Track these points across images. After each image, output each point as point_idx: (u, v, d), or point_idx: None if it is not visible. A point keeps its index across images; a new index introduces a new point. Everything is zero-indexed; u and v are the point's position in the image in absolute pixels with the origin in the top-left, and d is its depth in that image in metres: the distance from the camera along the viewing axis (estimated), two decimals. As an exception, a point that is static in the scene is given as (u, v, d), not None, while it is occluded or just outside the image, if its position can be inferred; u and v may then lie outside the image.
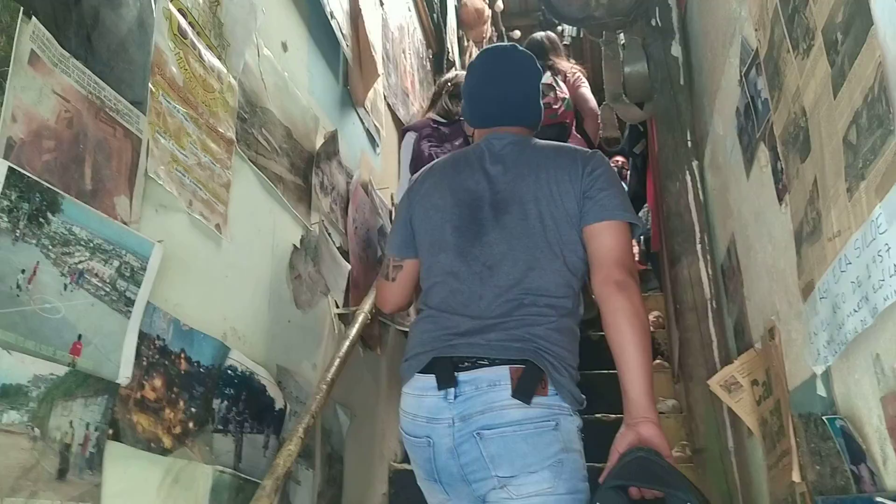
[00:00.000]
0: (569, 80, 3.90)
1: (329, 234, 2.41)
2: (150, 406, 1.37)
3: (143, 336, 1.36)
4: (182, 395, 1.49)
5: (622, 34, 2.65)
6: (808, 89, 1.22)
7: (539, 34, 4.25)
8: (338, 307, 2.45)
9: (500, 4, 6.99)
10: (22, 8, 1.16)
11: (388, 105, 3.52)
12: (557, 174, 1.70)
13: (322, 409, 1.93)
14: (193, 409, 1.53)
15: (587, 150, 1.80)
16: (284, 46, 2.25)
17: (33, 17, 1.18)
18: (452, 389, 1.55)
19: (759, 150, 1.64)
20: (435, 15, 4.79)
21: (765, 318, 1.76)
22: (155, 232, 1.44)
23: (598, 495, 1.39)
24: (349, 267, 2.49)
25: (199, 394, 1.55)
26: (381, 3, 3.44)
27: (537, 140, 1.83)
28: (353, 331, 2.24)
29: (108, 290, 1.26)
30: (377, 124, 3.22)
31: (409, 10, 4.29)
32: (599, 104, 3.65)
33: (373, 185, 3.04)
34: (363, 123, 3.05)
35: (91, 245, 1.23)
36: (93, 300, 1.23)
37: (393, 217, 3.11)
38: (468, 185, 1.77)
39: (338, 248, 2.49)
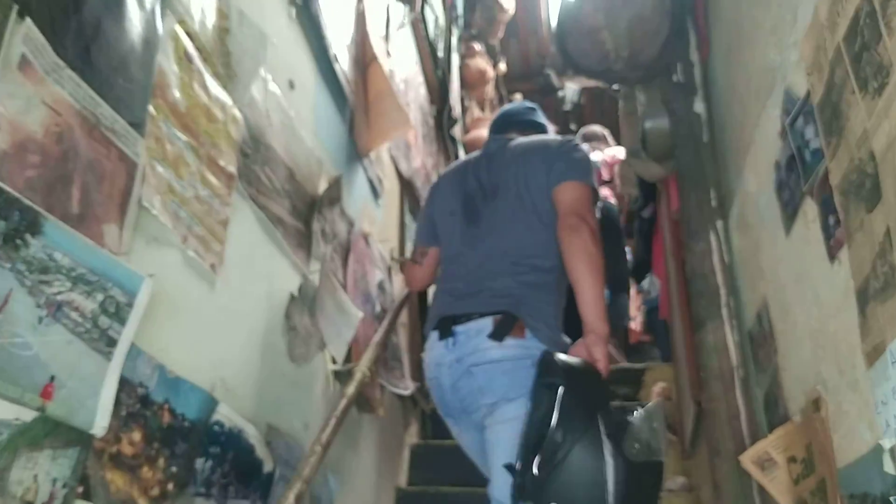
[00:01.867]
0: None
1: (336, 283, 2.26)
2: (126, 462, 1.20)
3: (123, 382, 1.20)
4: (163, 451, 1.32)
5: (640, 90, 2.56)
6: (880, 131, 1.10)
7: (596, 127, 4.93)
8: (334, 363, 2.28)
9: (502, 67, 7.00)
10: (16, 7, 1.04)
11: (391, 157, 3.41)
12: (533, 157, 2.09)
13: (315, 474, 1.75)
14: (174, 469, 1.35)
15: (558, 137, 2.23)
16: (291, 84, 2.14)
17: (27, 18, 1.06)
18: (451, 339, 1.92)
19: (806, 204, 1.51)
20: (439, 71, 4.74)
21: (806, 389, 1.61)
22: (145, 266, 1.29)
23: (532, 392, 1.70)
24: (360, 315, 2.33)
25: (182, 451, 1.38)
26: (389, 54, 3.37)
27: (522, 137, 2.23)
28: (351, 388, 2.08)
29: (88, 326, 1.11)
30: (380, 175, 3.11)
31: (416, 65, 4.23)
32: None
33: (374, 237, 2.90)
34: (366, 173, 2.93)
35: (73, 274, 1.08)
36: (70, 337, 1.07)
37: (388, 271, 3.01)
38: (467, 183, 2.18)
39: (337, 299, 2.35)
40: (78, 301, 1.09)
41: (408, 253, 3.51)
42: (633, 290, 5.60)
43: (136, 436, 1.25)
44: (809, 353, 1.58)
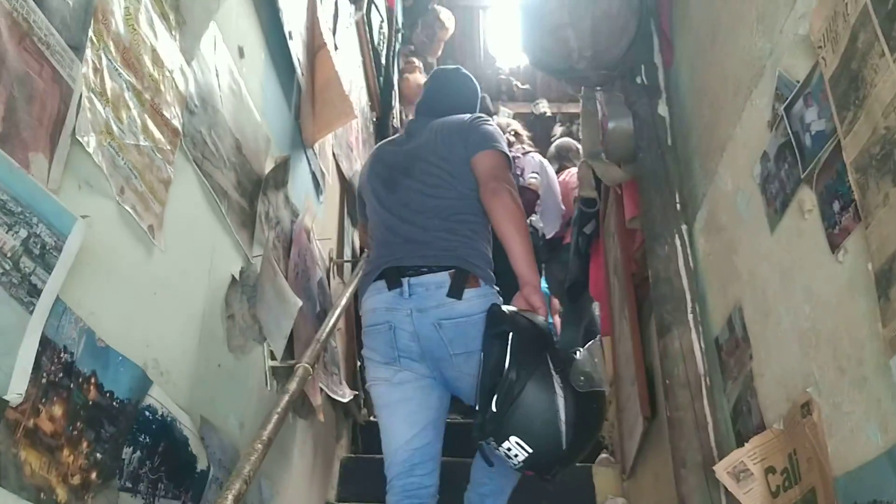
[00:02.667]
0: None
1: (278, 268, 2.07)
2: (44, 441, 0.99)
3: (46, 343, 0.99)
4: (87, 433, 1.11)
5: (602, 91, 2.49)
6: (916, 96, 1.02)
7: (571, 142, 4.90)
8: (273, 359, 2.08)
9: (440, 85, 6.92)
10: None
11: (334, 155, 3.24)
12: (451, 129, 2.27)
13: (256, 475, 1.54)
14: (99, 456, 1.14)
15: (469, 114, 2.35)
16: (241, 52, 1.97)
17: None
18: (406, 289, 2.04)
19: (801, 194, 1.43)
20: (381, 79, 4.60)
21: (791, 394, 1.52)
22: (75, 212, 1.09)
23: (483, 344, 1.90)
24: (299, 303, 2.13)
25: (109, 436, 1.17)
26: (336, 48, 3.21)
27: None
28: (294, 385, 1.88)
29: (7, 267, 0.90)
30: (324, 170, 2.93)
31: (359, 68, 4.08)
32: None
33: (315, 234, 2.72)
34: (310, 165, 2.76)
35: (-9, 200, 0.88)
36: (-17, 278, 0.87)
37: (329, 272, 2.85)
38: (387, 159, 2.34)
39: (277, 291, 2.15)
40: (-4, 234, 0.89)
41: (346, 255, 3.34)
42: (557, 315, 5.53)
43: (58, 410, 1.04)
44: (797, 355, 1.49)
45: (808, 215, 1.41)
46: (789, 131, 1.47)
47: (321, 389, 2.46)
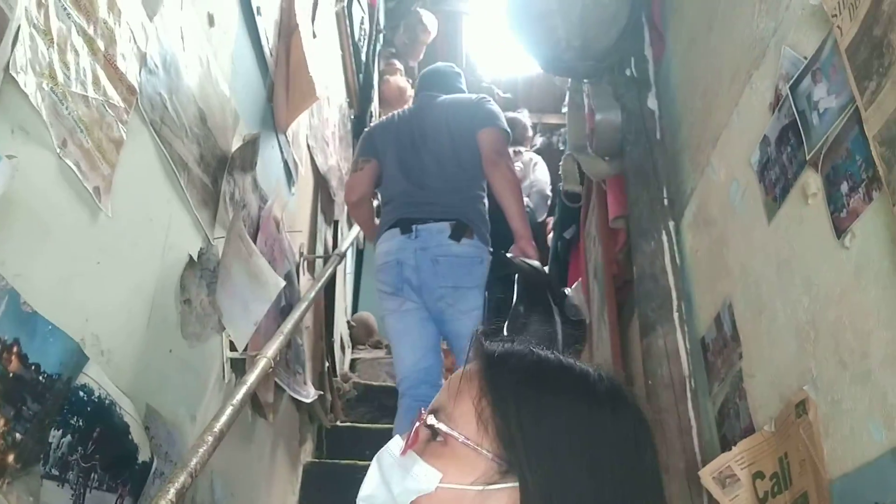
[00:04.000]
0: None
1: (253, 246, 1.94)
2: (-54, 411, 0.86)
3: (-47, 298, 0.86)
4: (5, 409, 0.98)
5: (589, 82, 2.39)
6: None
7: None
8: (234, 350, 1.94)
9: (419, 91, 6.83)
10: None
11: (308, 146, 3.12)
12: (458, 110, 2.75)
13: (203, 469, 1.41)
14: (19, 436, 1.01)
15: (475, 94, 2.90)
16: (211, 20, 1.84)
17: None
18: (414, 233, 2.53)
19: (805, 177, 1.34)
20: (360, 76, 4.49)
21: (785, 393, 1.41)
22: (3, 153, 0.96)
23: (488, 284, 2.38)
24: (282, 283, 2.00)
25: (33, 414, 1.04)
26: (315, 35, 3.09)
27: (445, 95, 2.86)
28: (252, 377, 1.75)
29: None
30: (296, 159, 2.81)
31: (338, 61, 3.97)
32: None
33: (284, 224, 2.59)
34: (282, 152, 2.63)
35: None
36: None
37: (298, 267, 2.73)
38: (401, 131, 2.78)
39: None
40: None
41: (318, 251, 3.21)
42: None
43: (-33, 380, 0.91)
44: (793, 351, 1.39)
45: (811, 200, 1.32)
46: (794, 111, 1.37)
47: (280, 388, 2.32)
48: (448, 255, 2.47)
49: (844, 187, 1.21)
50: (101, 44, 1.24)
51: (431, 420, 0.75)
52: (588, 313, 2.52)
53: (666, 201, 2.07)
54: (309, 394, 2.63)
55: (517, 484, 0.69)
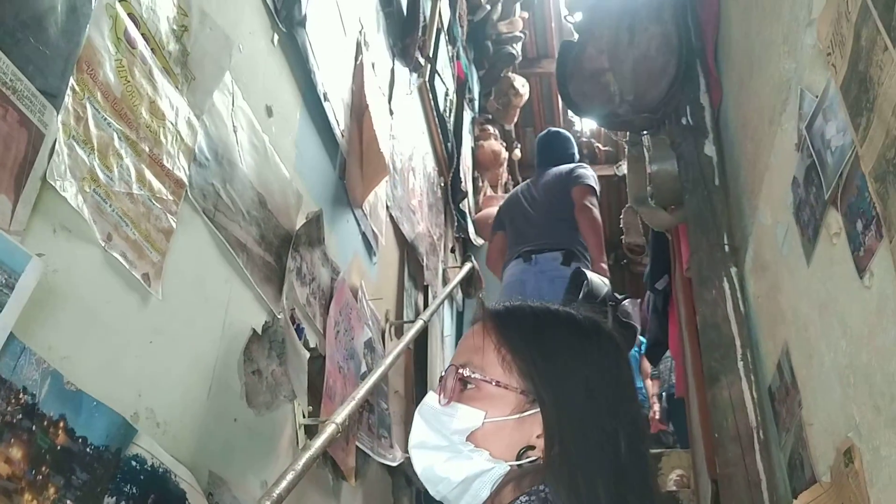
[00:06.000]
0: None
1: (300, 328, 2.05)
2: (-6, 482, 0.98)
3: (-2, 382, 0.99)
4: (54, 478, 1.09)
5: (646, 135, 2.40)
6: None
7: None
8: (305, 417, 2.04)
9: (518, 153, 6.93)
10: None
11: (391, 216, 3.25)
12: (558, 177, 4.00)
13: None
14: (69, 503, 1.12)
15: (571, 164, 4.11)
16: (269, 111, 2.00)
17: None
18: (531, 262, 3.73)
19: (829, 216, 1.30)
20: (449, 144, 4.63)
21: (836, 441, 1.35)
22: (49, 256, 1.10)
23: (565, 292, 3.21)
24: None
25: (83, 482, 1.15)
26: (392, 113, 3.25)
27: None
28: (318, 442, 1.82)
29: (-56, 302, 0.91)
30: (376, 230, 2.93)
31: (423, 134, 4.13)
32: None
33: (364, 292, 2.70)
34: (359, 225, 2.76)
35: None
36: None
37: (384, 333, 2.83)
38: (525, 195, 4.10)
39: (312, 348, 2.12)
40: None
41: (409, 316, 3.32)
42: (648, 379, 5.33)
43: (16, 453, 1.03)
44: (839, 397, 1.34)
45: (835, 239, 1.28)
46: (811, 151, 1.35)
47: (363, 454, 2.38)
48: (563, 276, 3.41)
49: (859, 225, 1.17)
50: (144, 146, 1.39)
51: (468, 372, 0.94)
52: (637, 320, 3.16)
53: (727, 247, 2.03)
54: (395, 457, 2.69)
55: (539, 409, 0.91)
